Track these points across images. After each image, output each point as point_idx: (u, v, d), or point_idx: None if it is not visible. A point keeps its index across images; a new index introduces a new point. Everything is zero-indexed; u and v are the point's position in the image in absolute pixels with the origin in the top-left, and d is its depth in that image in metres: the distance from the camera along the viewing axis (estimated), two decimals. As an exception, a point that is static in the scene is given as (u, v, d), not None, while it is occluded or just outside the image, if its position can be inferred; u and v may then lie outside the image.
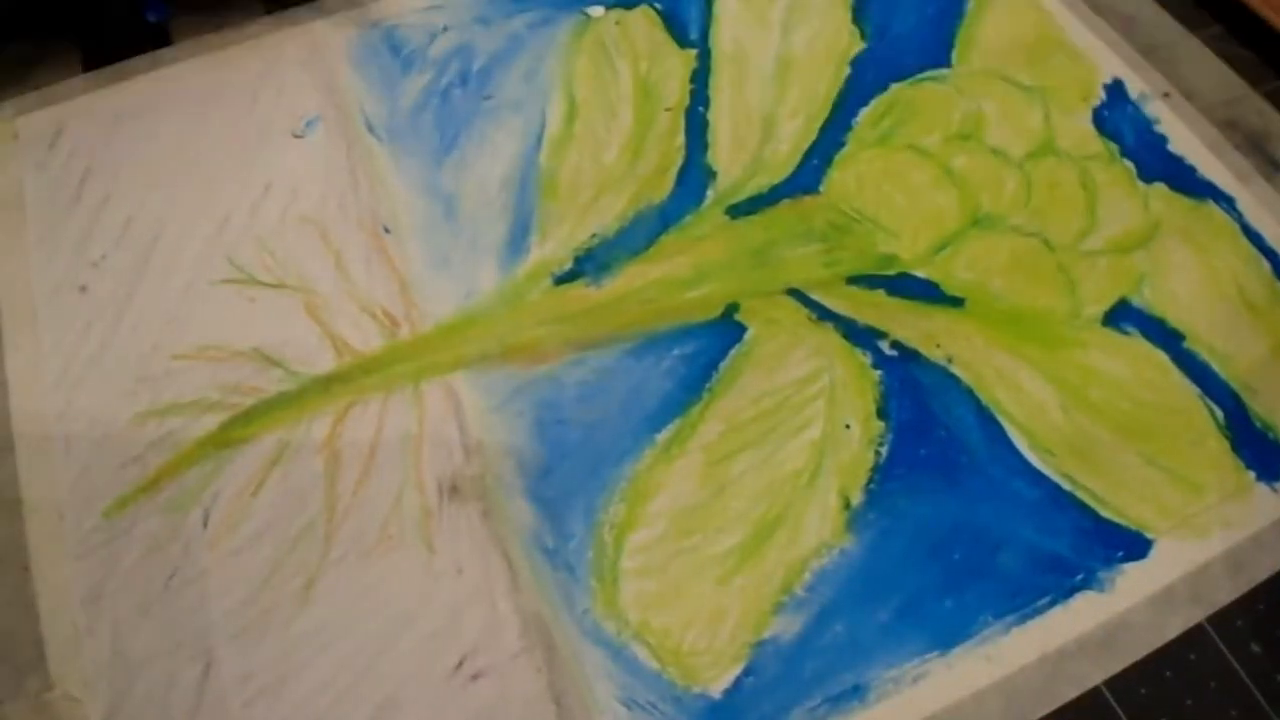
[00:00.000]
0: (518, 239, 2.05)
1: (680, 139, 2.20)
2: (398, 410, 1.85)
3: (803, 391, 1.87)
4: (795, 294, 1.99)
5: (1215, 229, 2.12)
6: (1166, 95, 2.29)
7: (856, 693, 1.61)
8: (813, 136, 2.22)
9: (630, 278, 2.00)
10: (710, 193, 2.13)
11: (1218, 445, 1.87)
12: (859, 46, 2.36)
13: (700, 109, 2.25)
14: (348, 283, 1.98)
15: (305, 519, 1.74)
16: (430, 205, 2.08)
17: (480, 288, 1.99)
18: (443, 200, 2.09)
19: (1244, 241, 2.10)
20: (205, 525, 1.72)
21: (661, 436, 1.83)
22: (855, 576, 1.71)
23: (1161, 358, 1.95)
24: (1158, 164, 2.20)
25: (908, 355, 1.93)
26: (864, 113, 2.26)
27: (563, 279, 2.00)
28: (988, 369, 1.91)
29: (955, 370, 1.91)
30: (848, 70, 2.32)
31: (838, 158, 2.19)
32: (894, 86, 2.30)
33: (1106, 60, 2.36)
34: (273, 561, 1.70)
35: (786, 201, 2.12)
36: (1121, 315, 2.00)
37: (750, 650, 1.64)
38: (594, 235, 2.06)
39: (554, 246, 2.04)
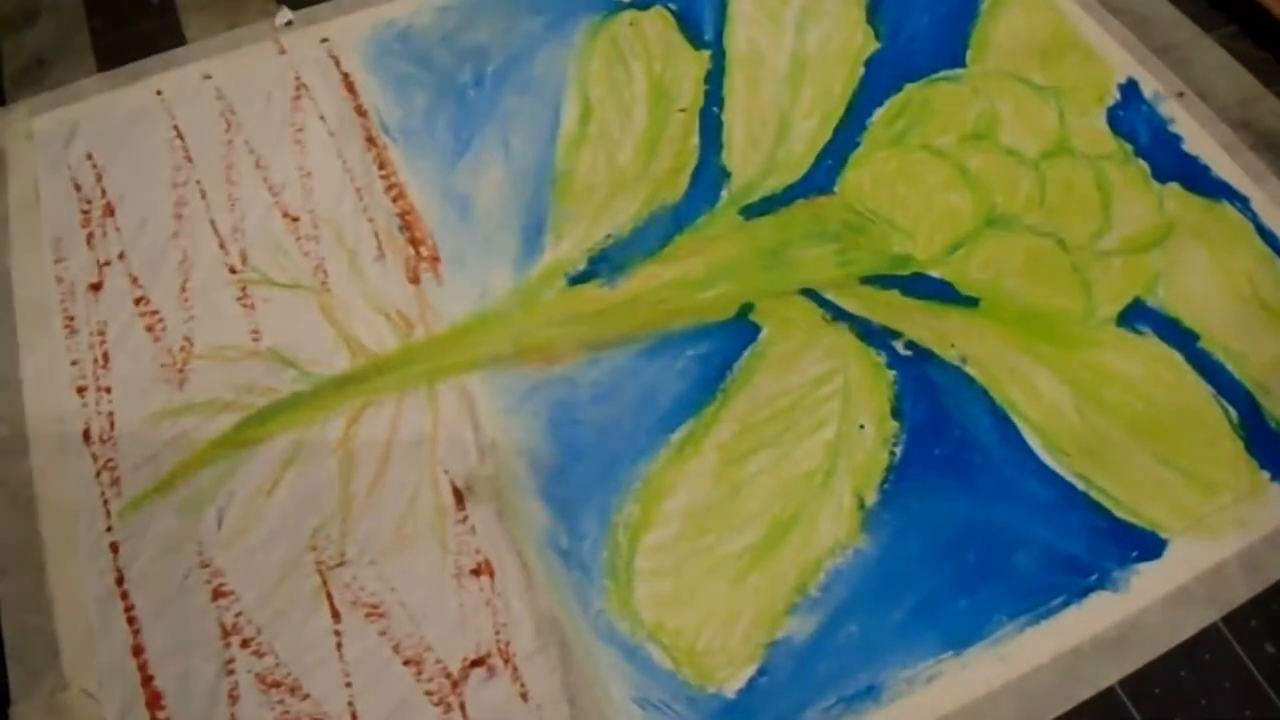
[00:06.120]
0: (532, 240, 2.05)
1: (694, 140, 2.20)
2: (412, 411, 1.85)
3: (817, 391, 1.87)
4: (810, 294, 1.99)
5: (1229, 229, 2.11)
6: (1181, 95, 2.29)
7: (870, 693, 1.61)
8: (827, 137, 2.21)
9: (644, 278, 2.00)
10: (724, 193, 2.13)
11: (1232, 445, 1.86)
12: (873, 46, 2.36)
13: (714, 109, 2.25)
14: (362, 283, 1.99)
15: (320, 519, 1.74)
16: (445, 206, 2.09)
17: (494, 288, 1.99)
18: (457, 201, 2.09)
19: (1258, 241, 2.10)
20: (220, 525, 1.73)
21: (675, 437, 1.83)
22: (869, 577, 1.71)
23: (1176, 358, 1.95)
24: (1172, 164, 2.20)
25: (922, 355, 1.92)
26: (878, 113, 2.26)
27: (577, 279, 2.00)
28: (1002, 369, 1.91)
29: (970, 370, 1.91)
30: (862, 70, 2.32)
31: (852, 158, 2.18)
32: (908, 86, 2.30)
33: (1121, 60, 2.36)
34: (287, 561, 1.70)
35: (801, 202, 2.12)
36: (1136, 315, 1.99)
37: (764, 650, 1.64)
38: (608, 236, 2.06)
39: (568, 247, 2.04)
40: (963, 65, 2.34)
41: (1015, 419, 1.86)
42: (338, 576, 1.69)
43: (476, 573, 1.70)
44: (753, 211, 2.11)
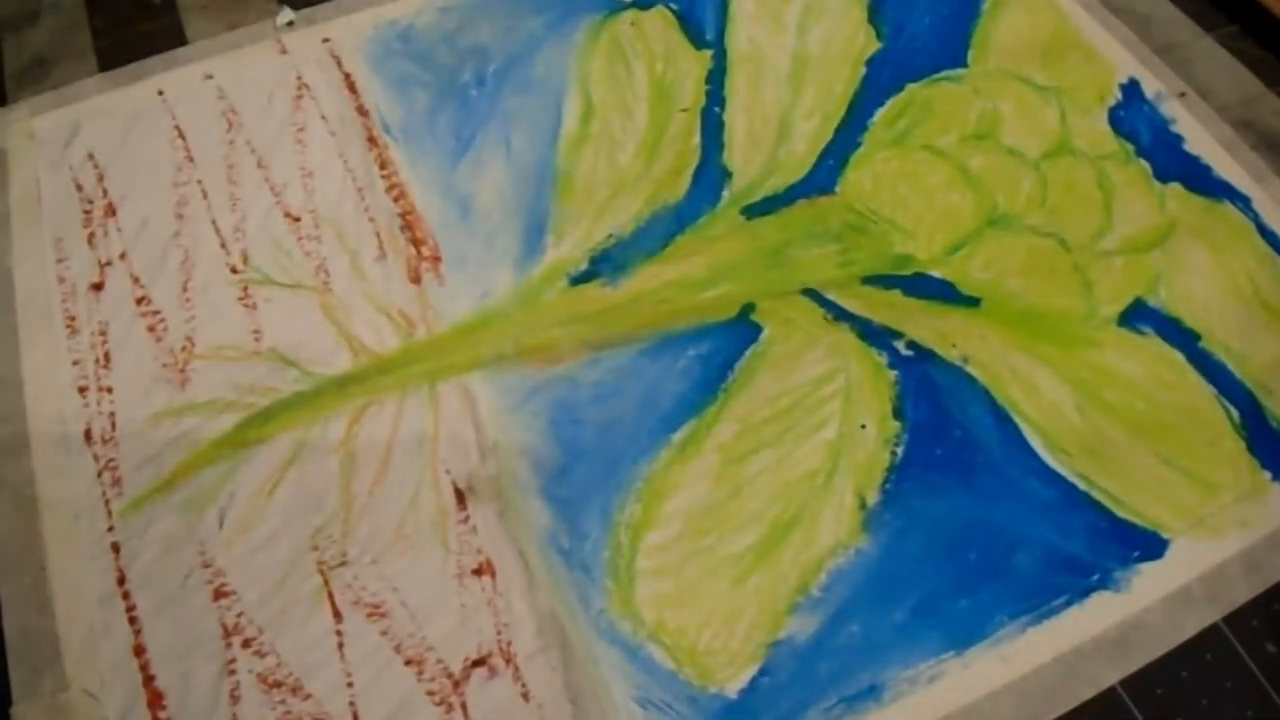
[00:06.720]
0: (533, 239, 2.05)
1: (696, 139, 2.20)
2: (413, 411, 1.85)
3: (818, 391, 1.87)
4: (811, 294, 1.99)
5: (1231, 229, 2.11)
6: (1182, 95, 2.29)
7: (872, 693, 1.61)
8: (829, 137, 2.21)
9: (646, 278, 2.00)
10: (726, 193, 2.13)
11: (1233, 445, 1.86)
12: (875, 46, 2.36)
13: (716, 109, 2.25)
14: (363, 283, 1.99)
15: (321, 519, 1.74)
16: (446, 205, 2.09)
17: (496, 288, 1.99)
18: (458, 200, 2.09)
19: (1260, 241, 2.10)
20: (221, 525, 1.73)
21: (677, 437, 1.83)
22: (871, 577, 1.71)
23: (1177, 357, 1.95)
24: (1174, 164, 2.20)
25: (924, 355, 1.92)
26: (880, 113, 2.26)
27: (579, 279, 2.00)
28: (1004, 369, 1.91)
29: (971, 370, 1.91)
30: (863, 70, 2.32)
31: (853, 158, 2.18)
32: (910, 86, 2.30)
33: (1122, 60, 2.36)
34: (288, 562, 1.70)
35: (802, 202, 2.12)
36: (1137, 315, 1.99)
37: (766, 650, 1.64)
38: (610, 236, 2.06)
39: (570, 247, 2.04)
40: (964, 65, 2.34)
41: (1016, 419, 1.86)
42: (339, 576, 1.69)
43: (478, 573, 1.70)
44: (754, 211, 2.11)
